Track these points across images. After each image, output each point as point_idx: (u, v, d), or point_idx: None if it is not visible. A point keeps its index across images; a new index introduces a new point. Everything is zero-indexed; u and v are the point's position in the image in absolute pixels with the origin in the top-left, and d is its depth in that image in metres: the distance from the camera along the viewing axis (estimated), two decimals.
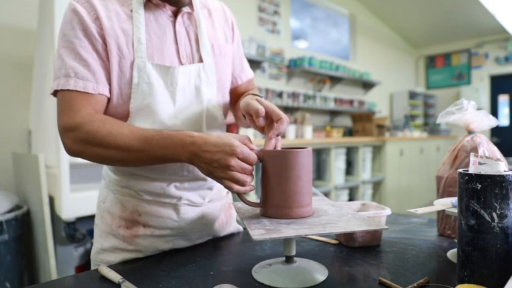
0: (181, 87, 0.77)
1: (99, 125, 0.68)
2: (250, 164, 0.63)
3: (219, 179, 0.63)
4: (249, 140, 0.65)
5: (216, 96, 0.84)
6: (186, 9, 0.81)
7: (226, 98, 0.90)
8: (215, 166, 0.62)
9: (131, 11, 0.75)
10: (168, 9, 0.80)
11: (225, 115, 0.90)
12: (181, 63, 0.79)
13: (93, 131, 0.68)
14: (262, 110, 0.67)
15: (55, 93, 0.73)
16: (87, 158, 0.71)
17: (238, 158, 0.61)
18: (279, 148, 0.69)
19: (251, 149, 0.64)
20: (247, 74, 0.98)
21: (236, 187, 0.62)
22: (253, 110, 0.68)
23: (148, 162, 0.69)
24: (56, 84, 0.71)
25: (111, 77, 0.73)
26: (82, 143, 0.69)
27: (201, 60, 0.81)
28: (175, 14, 0.80)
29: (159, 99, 0.75)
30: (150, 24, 0.76)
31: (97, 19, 0.72)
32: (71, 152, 0.71)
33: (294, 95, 4.25)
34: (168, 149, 0.65)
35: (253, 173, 0.64)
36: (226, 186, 0.62)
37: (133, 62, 0.73)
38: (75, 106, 0.70)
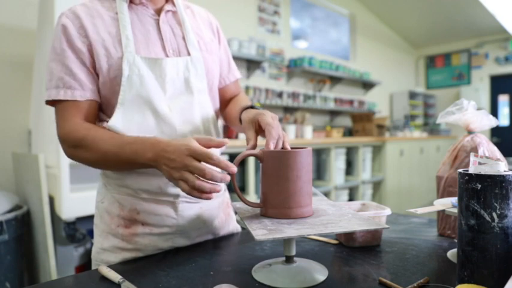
0: (170, 79, 0.80)
1: (84, 132, 0.74)
2: (206, 162, 0.61)
3: (176, 181, 0.63)
4: (210, 141, 0.65)
5: (206, 88, 0.86)
6: (168, 7, 0.84)
7: (215, 94, 0.93)
8: (172, 166, 0.62)
9: (116, 13, 0.79)
10: (151, 9, 0.83)
11: (216, 114, 0.91)
12: (167, 56, 0.81)
13: (80, 138, 0.74)
14: (253, 143, 0.69)
15: (48, 102, 0.79)
16: (80, 161, 0.76)
17: (194, 158, 0.61)
18: (287, 146, 0.69)
19: (209, 147, 0.64)
20: (234, 74, 1.01)
21: (188, 189, 0.61)
22: (249, 139, 0.71)
23: (122, 166, 0.73)
24: (47, 95, 0.77)
25: (100, 78, 0.77)
26: (73, 148, 0.75)
27: (188, 55, 0.83)
28: (158, 13, 0.83)
29: (150, 88, 0.77)
30: (134, 24, 0.80)
31: (81, 28, 0.76)
32: (68, 156, 0.78)
33: (294, 95, 4.25)
34: (138, 153, 0.68)
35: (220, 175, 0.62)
36: (180, 187, 0.62)
37: (123, 57, 0.76)
38: (66, 116, 0.76)
